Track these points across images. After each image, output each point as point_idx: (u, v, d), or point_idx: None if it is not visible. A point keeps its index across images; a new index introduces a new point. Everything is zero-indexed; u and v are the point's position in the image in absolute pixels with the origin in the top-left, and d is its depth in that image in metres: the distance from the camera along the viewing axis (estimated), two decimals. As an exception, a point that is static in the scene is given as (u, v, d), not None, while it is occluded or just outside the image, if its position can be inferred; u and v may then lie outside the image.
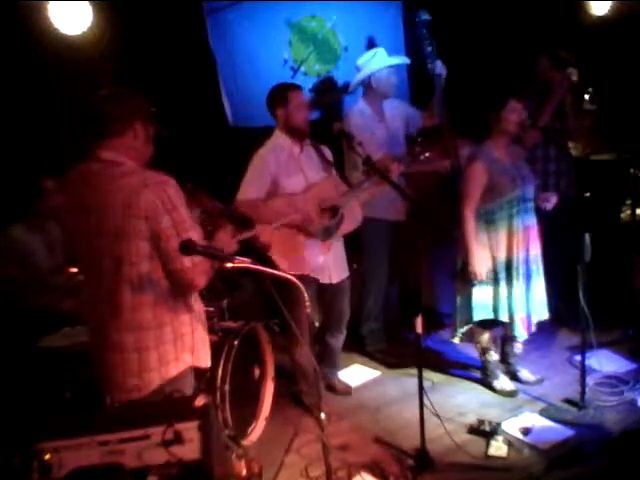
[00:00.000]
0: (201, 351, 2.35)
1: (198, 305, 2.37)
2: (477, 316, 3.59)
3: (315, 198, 3.42)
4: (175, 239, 2.09)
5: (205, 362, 2.39)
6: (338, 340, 3.83)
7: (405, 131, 4.23)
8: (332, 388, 3.90)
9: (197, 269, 2.16)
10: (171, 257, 2.12)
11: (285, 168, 3.41)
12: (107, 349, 2.23)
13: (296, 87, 3.49)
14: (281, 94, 3.42)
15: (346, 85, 4.55)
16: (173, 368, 2.24)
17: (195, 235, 2.12)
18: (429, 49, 4.09)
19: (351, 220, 3.54)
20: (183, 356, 2.27)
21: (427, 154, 3.42)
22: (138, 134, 2.21)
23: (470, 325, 3.67)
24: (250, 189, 3.36)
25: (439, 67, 4.11)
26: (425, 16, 4.09)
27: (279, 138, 3.47)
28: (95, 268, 2.22)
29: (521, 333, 3.61)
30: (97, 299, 2.23)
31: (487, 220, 3.52)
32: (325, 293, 3.62)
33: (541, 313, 3.64)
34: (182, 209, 2.14)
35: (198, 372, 2.42)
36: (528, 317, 3.59)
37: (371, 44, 4.68)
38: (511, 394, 3.73)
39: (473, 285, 3.52)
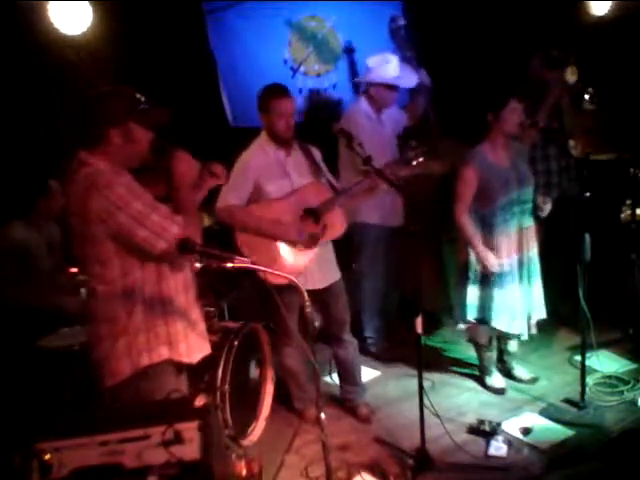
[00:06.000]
0: (181, 344, 2.31)
1: (180, 298, 2.33)
2: (471, 315, 3.62)
3: (297, 204, 3.28)
4: (140, 229, 2.11)
5: (188, 357, 2.34)
6: (347, 351, 3.58)
7: (395, 133, 4.24)
8: (353, 411, 3.63)
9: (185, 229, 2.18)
10: (145, 247, 2.14)
11: (268, 173, 3.28)
12: (89, 338, 2.30)
13: (280, 94, 3.26)
14: (264, 101, 3.28)
15: (340, 100, 4.60)
16: (146, 358, 2.22)
17: (156, 217, 2.13)
18: (407, 54, 4.09)
19: (335, 227, 3.35)
20: (159, 348, 2.24)
21: (421, 159, 3.28)
22: (112, 141, 2.17)
23: (468, 323, 3.69)
24: (230, 195, 3.24)
25: (423, 76, 4.08)
26: (401, 21, 4.11)
27: (264, 142, 3.34)
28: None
29: (521, 332, 3.62)
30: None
31: (484, 225, 3.53)
32: (316, 300, 3.36)
33: (540, 312, 3.66)
34: (136, 203, 2.12)
35: (196, 373, 2.41)
36: (529, 317, 3.62)
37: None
38: (499, 392, 3.74)
39: (493, 282, 3.50)
